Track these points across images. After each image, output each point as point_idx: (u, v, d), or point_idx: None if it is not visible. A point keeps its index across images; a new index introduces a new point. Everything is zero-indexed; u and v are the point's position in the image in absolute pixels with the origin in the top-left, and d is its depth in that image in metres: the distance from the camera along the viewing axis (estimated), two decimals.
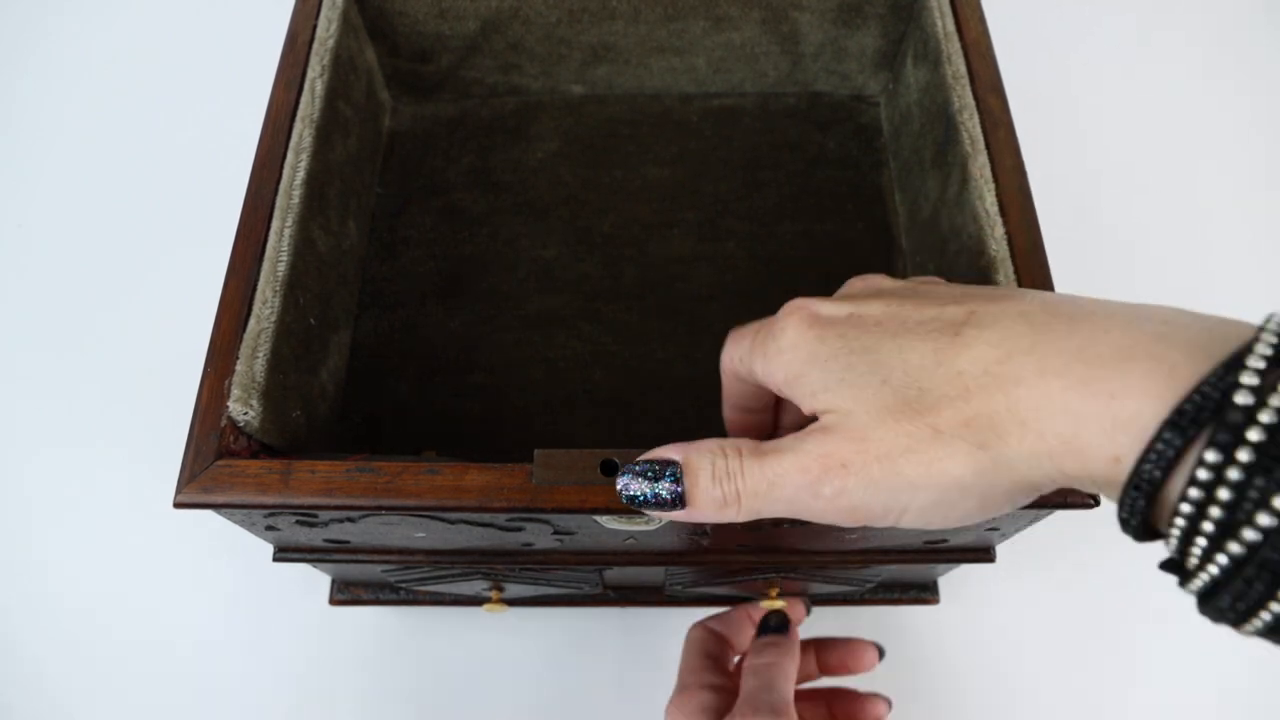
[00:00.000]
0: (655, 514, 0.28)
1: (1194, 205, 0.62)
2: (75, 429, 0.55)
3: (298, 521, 0.34)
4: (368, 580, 0.48)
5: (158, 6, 0.71)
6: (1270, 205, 0.62)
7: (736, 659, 0.40)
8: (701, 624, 0.40)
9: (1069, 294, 0.25)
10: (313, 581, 0.50)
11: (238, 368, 0.33)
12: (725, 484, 0.27)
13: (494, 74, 0.51)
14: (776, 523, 0.35)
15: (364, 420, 0.43)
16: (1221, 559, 0.20)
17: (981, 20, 0.44)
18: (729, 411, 0.34)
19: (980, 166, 0.39)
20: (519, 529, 0.35)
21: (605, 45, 0.50)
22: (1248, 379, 0.19)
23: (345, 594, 0.49)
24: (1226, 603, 0.21)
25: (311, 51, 0.42)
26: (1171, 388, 0.20)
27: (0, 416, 0.55)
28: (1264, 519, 0.19)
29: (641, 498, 0.28)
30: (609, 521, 0.34)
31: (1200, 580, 0.21)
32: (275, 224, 0.37)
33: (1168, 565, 0.23)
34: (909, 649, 0.49)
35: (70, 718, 0.48)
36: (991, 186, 0.38)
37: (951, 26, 0.43)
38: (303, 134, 0.40)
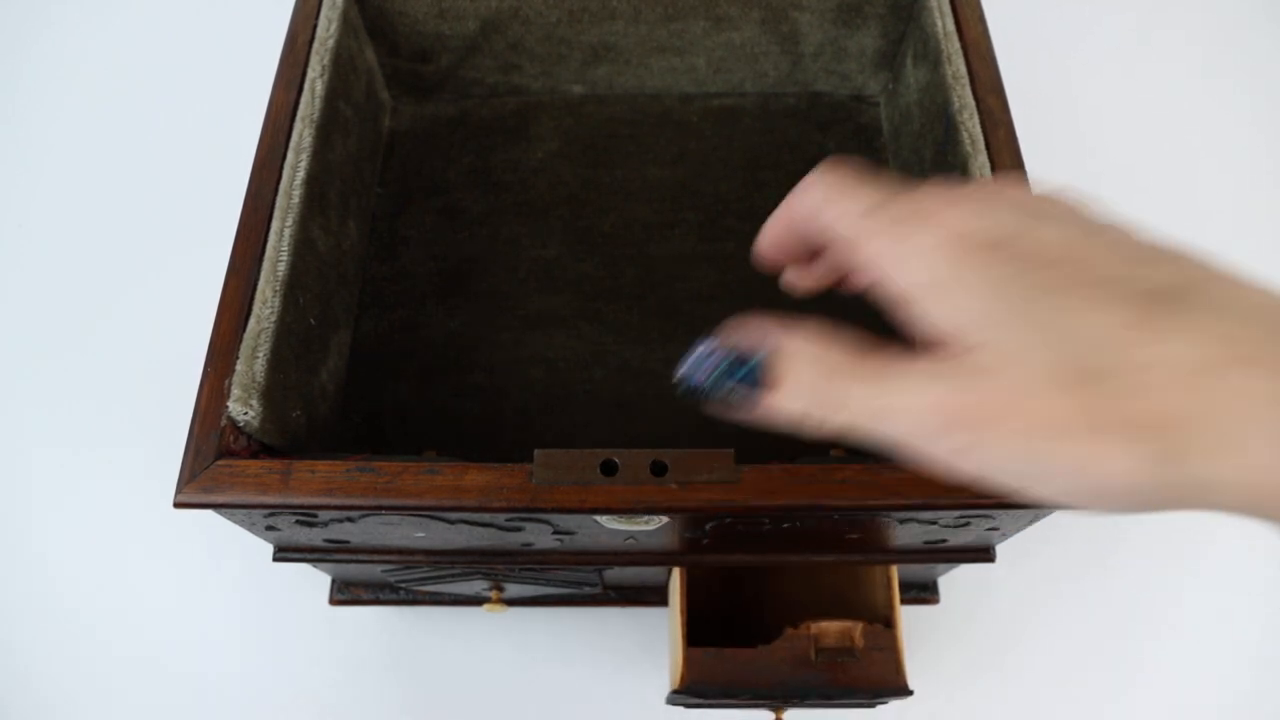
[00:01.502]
0: (729, 399, 0.24)
1: (1194, 205, 0.62)
2: (75, 429, 0.55)
3: (298, 521, 0.34)
4: (368, 580, 0.48)
5: (158, 7, 0.71)
6: (1270, 205, 0.62)
7: None
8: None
9: None
10: (313, 581, 0.50)
11: (238, 368, 0.33)
12: (827, 391, 0.23)
13: (494, 74, 0.51)
14: (779, 523, 0.35)
15: (364, 420, 0.43)
16: None
17: (981, 20, 0.44)
18: (765, 244, 0.28)
19: (980, 166, 0.39)
20: (519, 529, 0.35)
21: (605, 45, 0.50)
22: None
23: (345, 594, 0.49)
24: None
25: (311, 51, 0.42)
26: None
27: (0, 416, 0.55)
28: None
29: (708, 388, 0.24)
30: (609, 521, 0.34)
31: None
32: (275, 224, 0.37)
33: None
34: (909, 649, 0.49)
35: (71, 717, 0.48)
36: None
37: (951, 26, 0.43)
38: (303, 134, 0.40)
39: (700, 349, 0.23)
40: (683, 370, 0.24)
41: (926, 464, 0.22)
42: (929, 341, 0.22)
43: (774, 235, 0.27)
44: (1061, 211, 0.24)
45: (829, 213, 0.25)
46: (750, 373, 0.23)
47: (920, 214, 0.23)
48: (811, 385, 0.23)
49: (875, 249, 0.24)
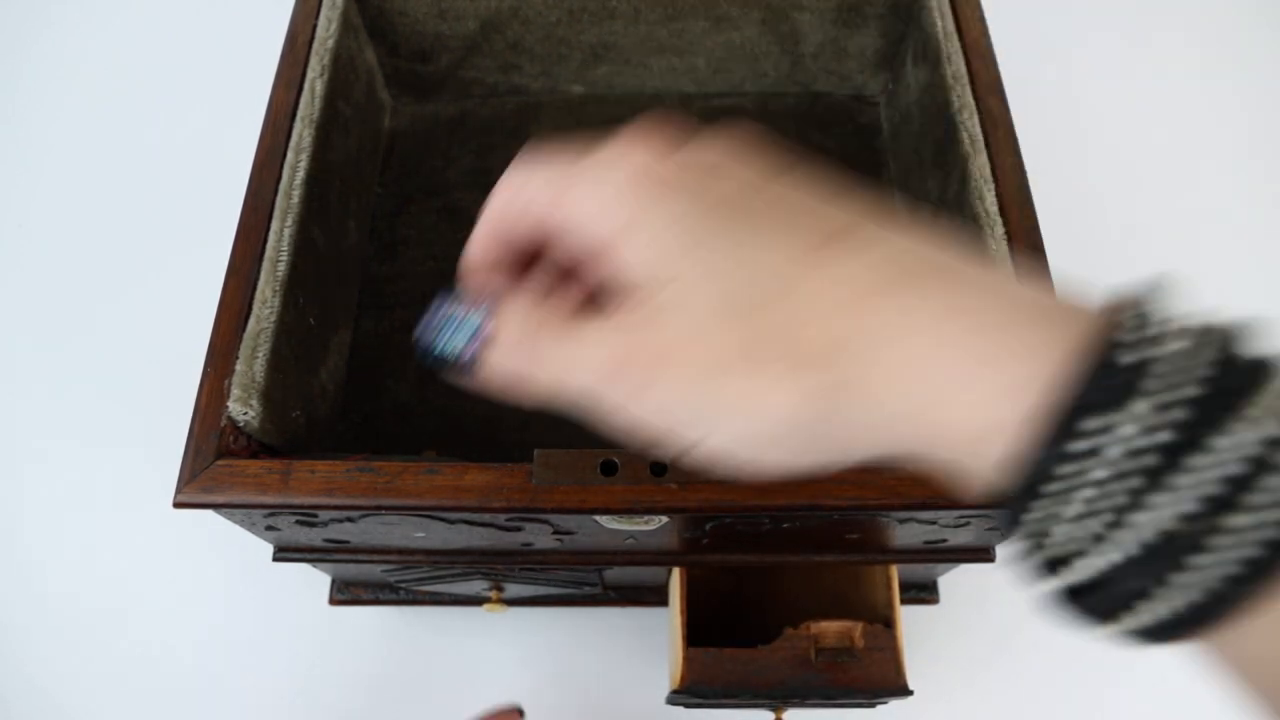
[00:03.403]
0: (462, 361, 0.23)
1: (1194, 204, 0.62)
2: (75, 429, 0.55)
3: (298, 521, 0.34)
4: (368, 580, 0.48)
5: (158, 6, 0.71)
6: (1270, 204, 0.62)
7: None
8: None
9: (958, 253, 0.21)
10: (313, 581, 0.50)
11: (238, 368, 0.33)
12: (522, 351, 0.22)
13: (494, 74, 0.51)
14: (779, 523, 0.35)
15: (364, 420, 0.43)
16: (1113, 552, 0.17)
17: (981, 20, 0.44)
18: (474, 259, 0.26)
19: (980, 166, 0.39)
20: (519, 529, 0.35)
21: (605, 45, 0.50)
22: (1124, 354, 0.17)
23: (345, 594, 0.49)
24: (1111, 595, 0.18)
25: (311, 51, 0.42)
26: (1073, 348, 0.18)
27: (0, 416, 0.55)
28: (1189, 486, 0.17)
29: (438, 348, 0.23)
30: (609, 521, 0.34)
31: (1087, 568, 0.18)
32: (275, 224, 0.37)
33: (1037, 558, 0.19)
34: (909, 649, 0.49)
35: (70, 717, 0.48)
36: (991, 186, 0.38)
37: (951, 26, 0.43)
38: (303, 134, 0.40)
39: (432, 307, 0.22)
40: (418, 332, 0.23)
41: (612, 418, 0.21)
42: (628, 291, 0.21)
43: (483, 245, 0.25)
44: (744, 155, 0.23)
45: (509, 193, 0.24)
46: (474, 331, 0.22)
47: (610, 156, 0.22)
48: (518, 342, 0.22)
49: (571, 202, 0.22)
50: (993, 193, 0.38)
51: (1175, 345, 0.17)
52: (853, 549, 0.39)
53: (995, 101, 0.41)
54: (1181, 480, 0.17)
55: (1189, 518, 0.17)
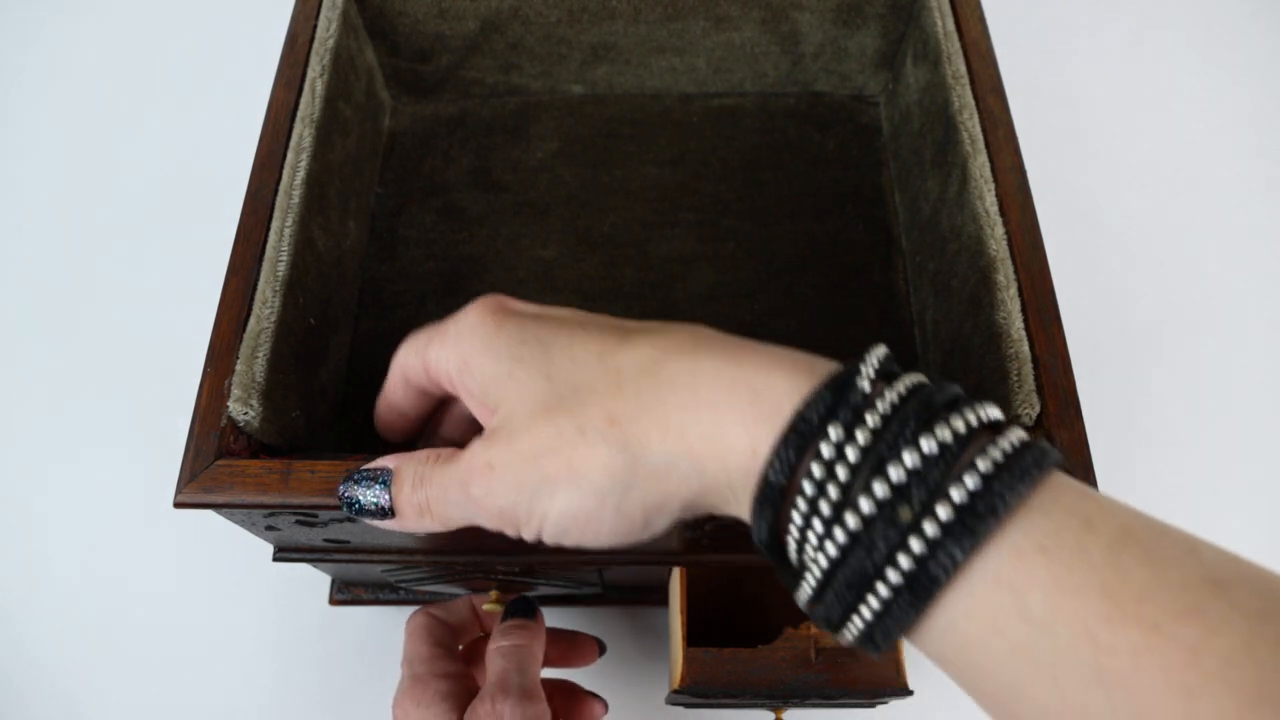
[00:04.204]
0: (373, 523, 0.28)
1: (1194, 204, 0.62)
2: (75, 429, 0.55)
3: (298, 521, 0.34)
4: (368, 580, 0.48)
5: (157, 6, 0.71)
6: (1269, 204, 0.62)
7: (460, 647, 0.40)
8: (424, 610, 0.39)
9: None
10: (313, 581, 0.50)
11: (238, 368, 0.33)
12: (418, 491, 0.27)
13: (494, 74, 0.51)
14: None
15: (364, 420, 0.43)
16: (822, 560, 0.21)
17: (981, 20, 0.44)
18: (382, 408, 0.33)
19: (980, 166, 0.39)
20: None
21: (605, 45, 0.50)
22: (865, 378, 0.22)
23: (345, 594, 0.49)
24: (831, 602, 0.21)
25: (311, 51, 0.42)
26: (811, 383, 0.22)
27: (0, 417, 0.55)
28: (865, 505, 0.20)
29: (357, 505, 0.28)
30: None
31: (807, 583, 0.22)
32: (275, 224, 0.37)
33: (784, 574, 0.23)
34: (909, 649, 0.49)
35: (70, 717, 0.48)
36: (991, 186, 0.38)
37: (951, 26, 0.43)
38: (303, 134, 0.40)
39: (354, 475, 0.28)
40: (340, 493, 0.29)
41: (485, 524, 0.26)
42: (491, 414, 0.26)
43: (391, 389, 0.32)
44: (563, 312, 0.29)
45: (400, 357, 0.31)
46: (383, 484, 0.28)
47: (456, 317, 0.28)
48: (414, 481, 0.27)
49: (431, 357, 0.29)
50: (993, 193, 0.38)
51: (876, 387, 0.22)
52: None
53: (995, 101, 0.41)
54: (868, 491, 0.20)
55: (865, 528, 0.20)
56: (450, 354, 0.28)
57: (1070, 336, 0.35)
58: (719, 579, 0.43)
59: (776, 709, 0.40)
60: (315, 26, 0.43)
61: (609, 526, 0.24)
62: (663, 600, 0.47)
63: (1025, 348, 0.34)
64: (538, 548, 0.38)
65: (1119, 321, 0.58)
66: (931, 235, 0.43)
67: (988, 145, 0.39)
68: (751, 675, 0.38)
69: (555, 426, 0.24)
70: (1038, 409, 0.33)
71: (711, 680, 0.38)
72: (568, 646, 0.41)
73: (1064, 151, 0.63)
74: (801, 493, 0.21)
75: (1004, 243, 0.37)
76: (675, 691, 0.38)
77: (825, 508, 0.21)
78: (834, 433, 0.21)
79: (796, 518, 0.21)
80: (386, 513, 0.28)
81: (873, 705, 0.41)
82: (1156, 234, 0.61)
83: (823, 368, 0.23)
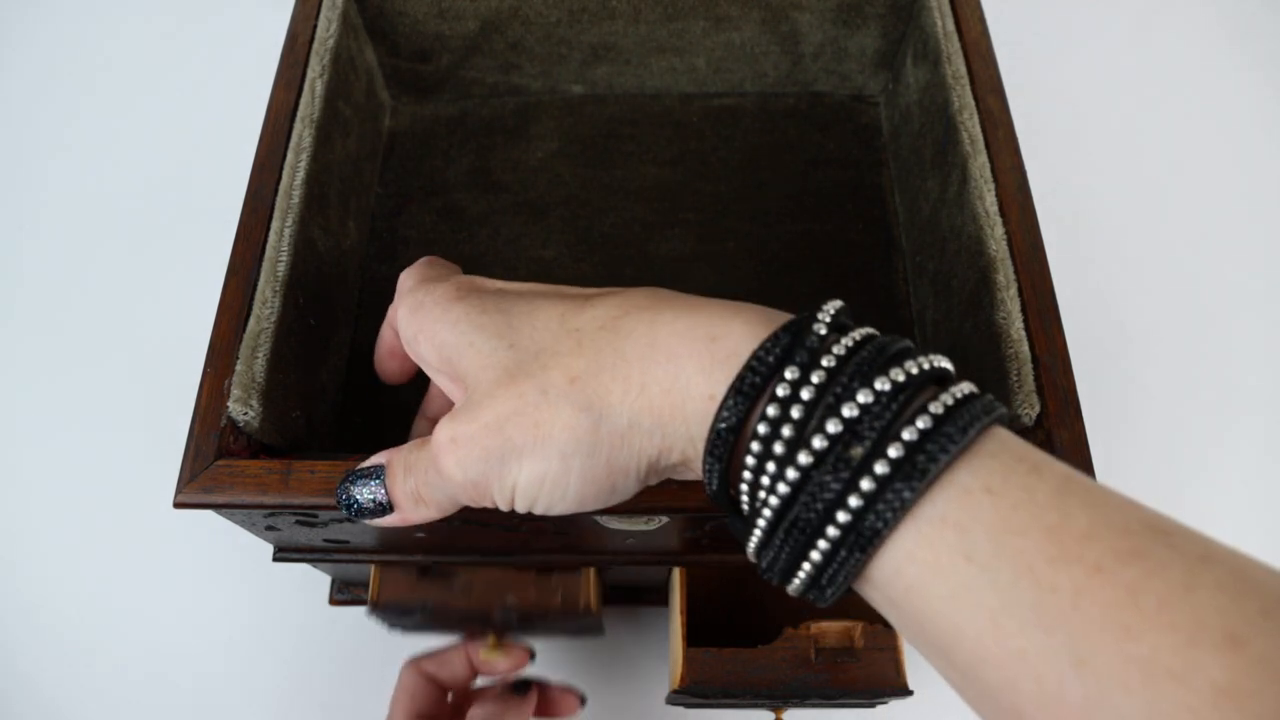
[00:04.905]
0: (376, 522, 0.28)
1: (1194, 204, 0.62)
2: (75, 429, 0.55)
3: (298, 521, 0.34)
4: (367, 580, 0.48)
5: (157, 7, 0.71)
6: (1270, 203, 0.62)
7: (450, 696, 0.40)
8: (415, 665, 0.39)
9: None
10: (313, 581, 0.50)
11: (238, 368, 0.33)
12: (409, 479, 0.27)
13: (494, 74, 0.51)
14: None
15: (364, 420, 0.43)
16: (774, 500, 0.21)
17: (981, 20, 0.44)
18: (380, 360, 0.35)
19: (980, 166, 0.39)
20: (519, 529, 0.35)
21: (605, 45, 0.50)
22: (821, 324, 0.22)
23: (345, 594, 0.49)
24: (779, 546, 0.22)
25: (311, 51, 0.42)
26: (768, 329, 0.23)
27: (0, 417, 0.55)
28: (804, 458, 0.20)
29: (355, 505, 0.28)
30: (609, 521, 0.34)
31: (757, 528, 0.22)
32: (275, 224, 0.37)
33: (735, 526, 0.24)
34: (909, 649, 0.49)
35: (69, 718, 0.48)
36: (991, 186, 0.38)
37: (951, 26, 0.43)
38: (303, 134, 0.40)
39: (350, 475, 0.28)
40: (337, 495, 0.29)
41: (464, 500, 0.26)
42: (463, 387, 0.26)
43: (384, 357, 0.34)
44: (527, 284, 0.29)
45: (391, 311, 0.31)
46: (377, 481, 0.28)
47: (429, 280, 0.29)
48: (403, 468, 0.27)
49: (401, 325, 0.29)
50: (993, 193, 0.38)
51: (827, 337, 0.22)
52: None
53: (995, 101, 0.41)
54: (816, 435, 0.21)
55: (816, 465, 0.21)
56: (413, 326, 0.28)
57: (1070, 336, 0.35)
58: (719, 579, 0.43)
59: (776, 709, 0.41)
60: (315, 26, 0.43)
61: (575, 490, 0.24)
62: (663, 600, 0.47)
63: (1025, 348, 0.34)
64: (538, 547, 0.38)
65: (1119, 321, 0.58)
66: (931, 235, 0.43)
67: (988, 145, 0.39)
68: (751, 675, 0.38)
69: (518, 392, 0.24)
70: (1038, 409, 0.33)
71: (711, 680, 0.38)
72: (548, 701, 0.40)
73: (1064, 151, 0.63)
74: (755, 435, 0.21)
75: (1004, 243, 0.37)
76: (675, 691, 0.38)
77: (778, 447, 0.21)
78: (789, 373, 0.21)
79: (750, 460, 0.22)
80: (385, 508, 0.28)
81: (872, 705, 0.41)
82: (1156, 234, 0.61)
83: (780, 316, 0.24)
